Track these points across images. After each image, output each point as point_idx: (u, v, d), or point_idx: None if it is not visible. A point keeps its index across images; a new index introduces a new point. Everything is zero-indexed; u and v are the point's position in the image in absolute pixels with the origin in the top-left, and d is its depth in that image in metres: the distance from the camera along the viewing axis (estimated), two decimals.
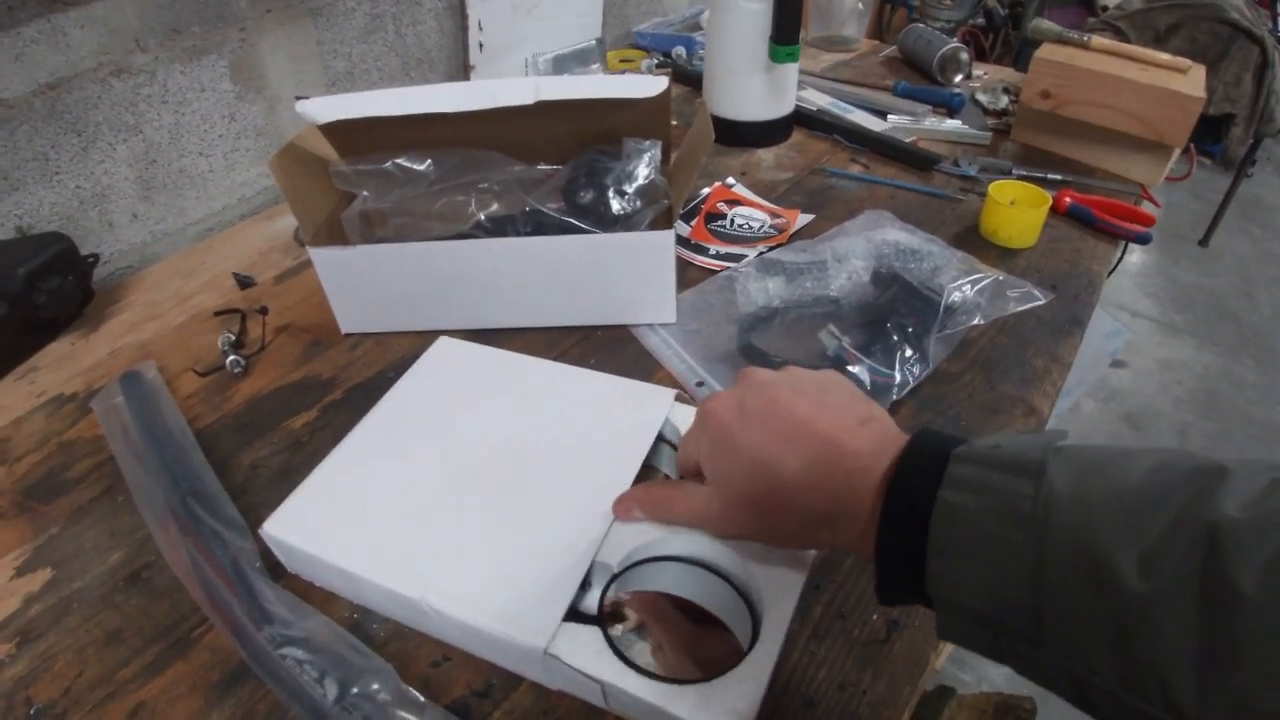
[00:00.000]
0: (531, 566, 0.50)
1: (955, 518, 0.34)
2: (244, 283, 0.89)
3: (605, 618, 0.48)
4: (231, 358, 0.75)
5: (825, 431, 0.40)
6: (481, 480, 0.56)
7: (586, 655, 0.46)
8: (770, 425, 0.42)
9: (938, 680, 1.21)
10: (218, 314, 0.84)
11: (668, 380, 0.72)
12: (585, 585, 0.51)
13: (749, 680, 0.45)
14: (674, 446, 0.60)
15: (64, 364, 0.81)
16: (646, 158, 0.71)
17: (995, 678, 1.58)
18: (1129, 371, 2.47)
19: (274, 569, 0.58)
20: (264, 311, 0.80)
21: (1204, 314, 2.73)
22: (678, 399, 0.62)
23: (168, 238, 1.00)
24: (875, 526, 0.38)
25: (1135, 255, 2.95)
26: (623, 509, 0.51)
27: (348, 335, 0.79)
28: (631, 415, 0.60)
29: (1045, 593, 0.30)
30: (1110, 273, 1.12)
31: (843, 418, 0.41)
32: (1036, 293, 0.82)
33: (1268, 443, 2.18)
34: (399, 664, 0.50)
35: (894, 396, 0.69)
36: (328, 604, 0.55)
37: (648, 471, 0.62)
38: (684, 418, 0.61)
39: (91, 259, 0.89)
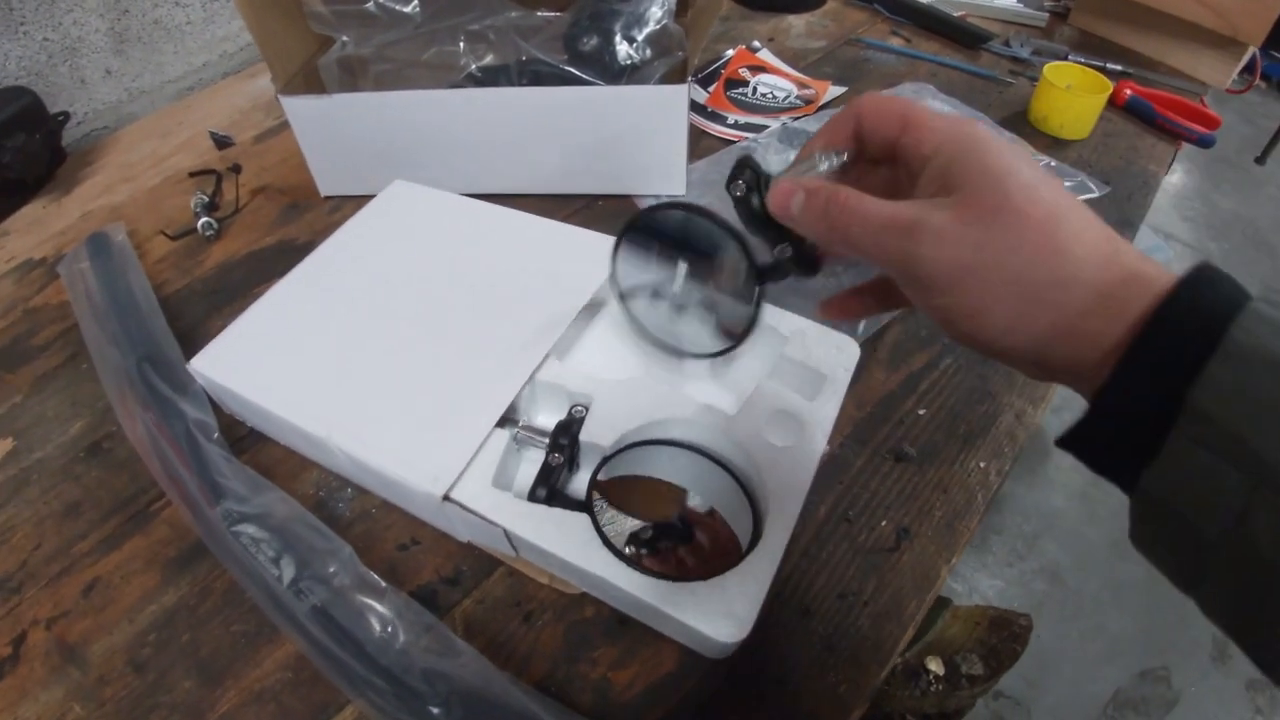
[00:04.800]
0: (445, 413, 0.47)
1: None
2: (221, 142, 0.82)
3: (591, 501, 0.44)
4: (203, 220, 0.70)
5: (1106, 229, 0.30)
6: (409, 325, 0.53)
7: (484, 501, 0.43)
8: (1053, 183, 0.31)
9: None
10: (193, 175, 0.78)
11: None
12: (572, 467, 0.47)
13: (750, 581, 0.40)
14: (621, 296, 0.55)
15: (34, 228, 0.76)
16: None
17: (986, 590, 1.54)
18: None
19: (236, 442, 0.53)
20: (236, 170, 0.74)
21: (1240, 244, 2.59)
22: None
23: (145, 96, 0.93)
24: (1137, 325, 0.28)
25: (1175, 176, 2.79)
26: (784, 198, 0.34)
27: (327, 198, 0.74)
28: (576, 266, 0.55)
29: None
30: None
31: None
32: (1091, 184, 0.74)
33: None
34: (364, 546, 0.46)
35: None
36: (291, 480, 0.51)
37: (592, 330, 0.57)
38: None
39: (61, 116, 0.83)
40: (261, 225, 0.72)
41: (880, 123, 0.34)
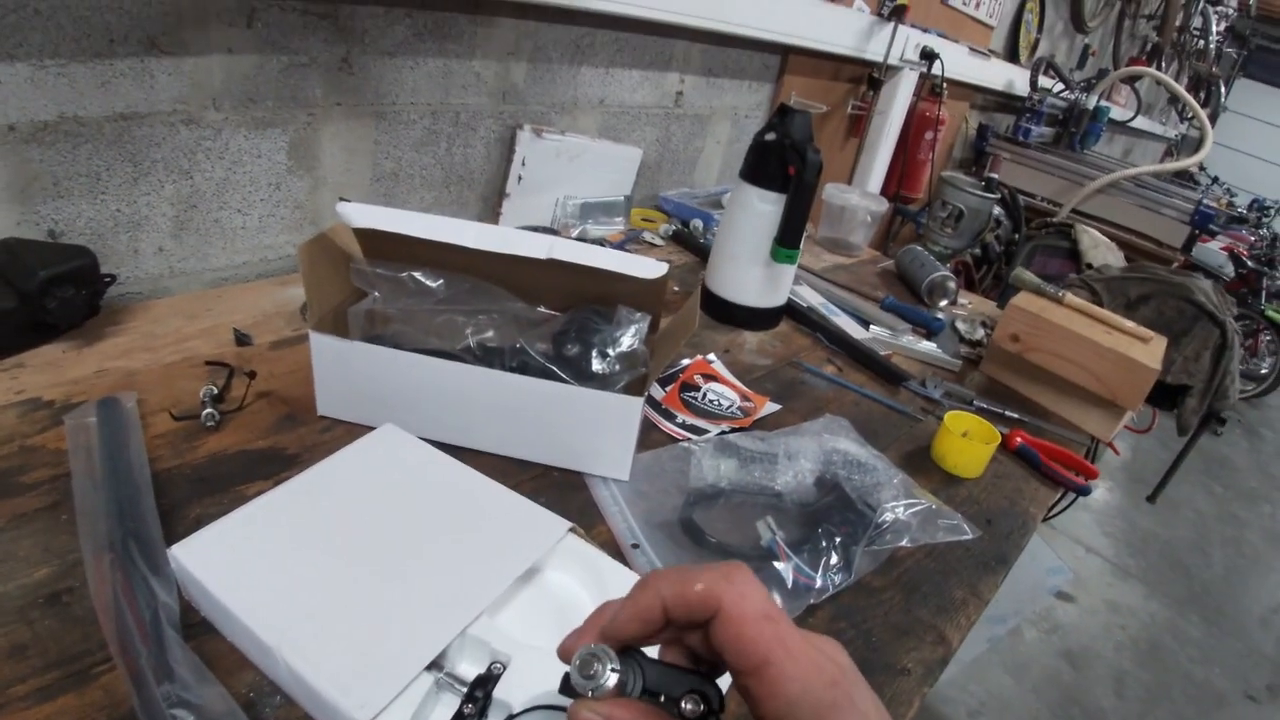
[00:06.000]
0: (383, 647, 0.54)
1: None
2: (241, 340, 0.93)
3: None
4: (208, 410, 0.78)
5: None
6: (371, 560, 0.61)
7: None
8: None
9: None
10: (208, 363, 0.88)
11: (605, 536, 0.76)
12: (482, 718, 0.54)
13: None
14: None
15: (50, 369, 0.83)
16: (634, 329, 0.78)
17: None
18: (1075, 607, 2.48)
19: (187, 628, 0.60)
20: (252, 375, 0.85)
21: (1157, 562, 2.76)
22: (572, 531, 0.67)
23: (184, 276, 1.06)
24: None
25: (1099, 492, 3.00)
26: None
27: (322, 417, 0.83)
28: (523, 535, 0.66)
29: None
30: (1058, 513, 1.17)
31: None
32: (965, 527, 0.88)
33: (1201, 704, 2.17)
34: None
35: (811, 600, 0.73)
36: (227, 676, 0.57)
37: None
38: (575, 550, 0.66)
39: (108, 279, 0.93)
40: (258, 427, 0.80)
41: (737, 651, 0.32)
